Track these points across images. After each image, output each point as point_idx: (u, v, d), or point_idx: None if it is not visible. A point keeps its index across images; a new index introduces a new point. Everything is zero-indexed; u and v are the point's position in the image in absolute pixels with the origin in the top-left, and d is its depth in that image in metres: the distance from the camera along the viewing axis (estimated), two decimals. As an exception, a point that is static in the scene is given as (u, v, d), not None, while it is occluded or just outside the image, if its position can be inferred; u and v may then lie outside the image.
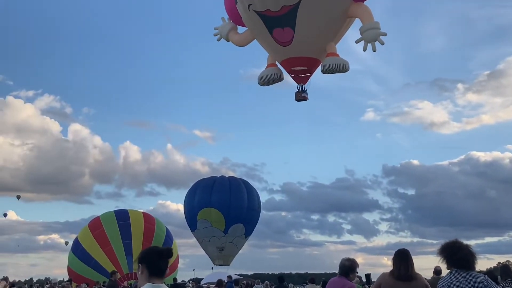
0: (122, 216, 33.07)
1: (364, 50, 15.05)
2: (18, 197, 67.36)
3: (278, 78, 17.16)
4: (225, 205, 36.64)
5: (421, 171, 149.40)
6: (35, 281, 58.20)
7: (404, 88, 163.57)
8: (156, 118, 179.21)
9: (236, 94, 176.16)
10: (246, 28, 17.66)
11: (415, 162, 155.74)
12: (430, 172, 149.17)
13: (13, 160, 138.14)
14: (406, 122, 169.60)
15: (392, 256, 6.74)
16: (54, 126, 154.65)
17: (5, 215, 73.65)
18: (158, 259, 3.84)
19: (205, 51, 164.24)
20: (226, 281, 25.03)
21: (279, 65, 17.36)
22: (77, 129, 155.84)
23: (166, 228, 34.44)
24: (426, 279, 7.21)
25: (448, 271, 5.72)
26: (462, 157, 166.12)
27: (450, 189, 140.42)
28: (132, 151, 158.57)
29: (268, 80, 17.12)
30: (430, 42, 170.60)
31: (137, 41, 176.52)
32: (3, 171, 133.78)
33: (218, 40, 18.03)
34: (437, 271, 11.19)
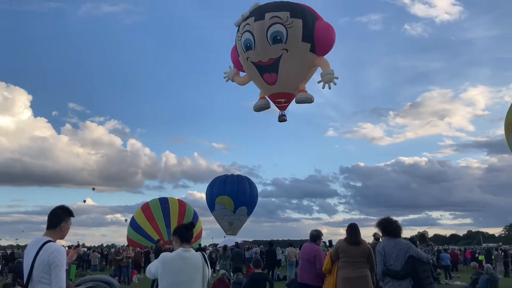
0: (163, 202, 32.81)
1: (323, 88, 14.91)
2: (93, 189, 67.22)
3: (267, 107, 17.00)
4: (234, 193, 36.29)
5: (366, 170, 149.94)
6: (104, 246, 57.69)
7: (353, 114, 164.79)
8: (187, 135, 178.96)
9: (241, 119, 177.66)
10: (245, 73, 17.38)
11: (362, 164, 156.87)
12: (372, 171, 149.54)
13: (90, 164, 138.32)
14: (355, 137, 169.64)
15: (346, 228, 6.64)
16: (117, 141, 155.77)
17: (84, 201, 73.46)
18: (185, 232, 3.90)
19: (220, 89, 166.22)
20: (233, 245, 24.50)
21: (267, 98, 17.13)
22: (133, 143, 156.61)
23: (194, 210, 34.10)
24: (369, 243, 7.01)
25: (383, 238, 5.78)
26: (393, 160, 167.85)
27: (385, 183, 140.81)
28: (170, 158, 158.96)
29: (260, 108, 16.93)
30: (371, 83, 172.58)
31: (174, 82, 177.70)
32: (84, 171, 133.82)
33: (226, 81, 17.84)
34: (377, 238, 10.68)
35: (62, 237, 3.63)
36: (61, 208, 3.68)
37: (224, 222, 37.02)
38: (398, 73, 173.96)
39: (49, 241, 3.44)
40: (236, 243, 25.75)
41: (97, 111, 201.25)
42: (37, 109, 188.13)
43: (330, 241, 22.42)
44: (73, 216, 3.75)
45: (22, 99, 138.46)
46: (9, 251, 31.80)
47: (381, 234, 5.92)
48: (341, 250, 6.46)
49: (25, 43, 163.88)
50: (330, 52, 16.07)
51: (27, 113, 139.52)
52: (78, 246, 4.43)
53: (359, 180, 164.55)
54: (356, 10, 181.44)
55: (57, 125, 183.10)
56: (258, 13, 15.69)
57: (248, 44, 15.81)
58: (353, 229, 6.46)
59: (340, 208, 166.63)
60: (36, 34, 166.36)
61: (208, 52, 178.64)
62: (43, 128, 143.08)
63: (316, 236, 7.64)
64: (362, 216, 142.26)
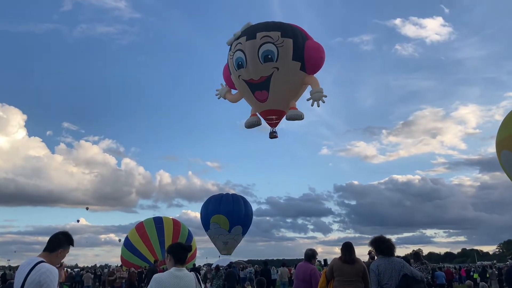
0: (158, 221, 32.30)
1: (312, 105, 14.94)
2: (87, 208, 66.44)
3: (258, 124, 16.85)
4: (229, 213, 35.71)
5: (360, 188, 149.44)
6: (98, 266, 56.64)
7: (346, 133, 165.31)
8: (181, 154, 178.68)
9: (235, 137, 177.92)
10: (237, 91, 17.21)
11: (356, 182, 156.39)
12: (366, 189, 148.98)
13: (84, 183, 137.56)
14: (349, 156, 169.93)
15: (341, 246, 6.50)
16: (111, 160, 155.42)
17: (78, 221, 72.66)
18: (181, 252, 3.79)
19: (214, 107, 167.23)
20: (226, 265, 23.94)
21: (258, 115, 17.00)
22: (127, 162, 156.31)
23: (188, 229, 33.54)
24: (364, 262, 6.84)
25: (377, 257, 5.64)
26: (387, 179, 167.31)
27: (379, 200, 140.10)
28: (164, 177, 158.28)
29: (251, 125, 16.77)
30: (363, 102, 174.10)
31: (168, 101, 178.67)
32: (77, 191, 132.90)
33: (218, 98, 17.71)
34: (372, 257, 10.24)
35: (55, 263, 3.53)
36: (64, 235, 3.68)
37: (219, 241, 36.37)
38: (390, 92, 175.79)
39: (42, 261, 3.39)
40: (230, 262, 25.23)
41: (92, 130, 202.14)
42: (32, 128, 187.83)
43: (325, 260, 21.99)
44: (73, 246, 3.73)
45: (16, 118, 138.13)
46: (0, 272, 30.92)
47: (375, 253, 5.78)
48: (336, 269, 6.31)
49: (20, 63, 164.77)
50: (322, 71, 16.15)
51: (22, 132, 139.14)
52: (61, 265, 4.11)
53: (353, 198, 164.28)
54: (349, 31, 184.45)
55: (52, 145, 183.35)
56: (250, 32, 15.74)
57: (239, 63, 15.78)
58: (347, 248, 6.34)
59: (335, 226, 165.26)
60: (32, 54, 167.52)
61: (201, 71, 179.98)
62: (37, 148, 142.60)
63: (311, 255, 7.50)
64: (357, 235, 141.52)
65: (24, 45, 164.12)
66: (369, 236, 6.83)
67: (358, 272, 6.17)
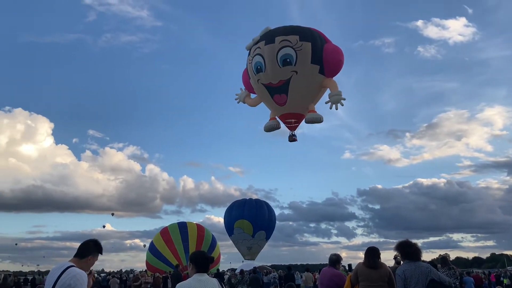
0: (182, 226, 32.41)
1: (330, 108, 14.69)
2: (112, 214, 67.34)
3: (277, 127, 16.69)
4: (253, 218, 35.55)
5: (384, 192, 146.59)
6: (123, 271, 57.25)
7: (369, 136, 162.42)
8: (204, 160, 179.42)
9: (256, 142, 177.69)
10: (256, 95, 17.09)
11: (379, 186, 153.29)
12: (390, 193, 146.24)
13: (109, 189, 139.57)
14: (372, 159, 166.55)
15: (365, 251, 6.37)
16: (136, 166, 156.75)
17: (104, 226, 73.66)
18: (203, 263, 3.79)
19: (236, 113, 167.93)
20: (251, 269, 23.69)
21: (277, 119, 16.81)
22: (152, 168, 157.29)
23: (212, 234, 33.47)
24: (390, 266, 6.69)
25: (403, 262, 5.53)
26: (411, 182, 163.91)
27: (404, 205, 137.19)
28: (188, 182, 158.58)
29: (270, 128, 16.64)
30: (386, 105, 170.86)
31: (190, 108, 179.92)
32: (103, 197, 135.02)
33: (238, 102, 17.68)
34: (398, 261, 9.85)
35: (85, 269, 3.63)
36: (94, 242, 3.81)
37: (243, 246, 36.21)
38: (413, 95, 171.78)
39: (72, 266, 3.52)
40: (254, 268, 25.00)
41: (116, 137, 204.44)
42: (59, 136, 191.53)
43: (349, 265, 21.48)
44: (101, 254, 3.84)
45: (44, 127, 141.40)
46: (30, 277, 31.44)
47: (401, 257, 5.66)
48: (360, 274, 6.21)
49: (47, 73, 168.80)
50: (343, 75, 15.85)
51: (49, 140, 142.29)
52: (90, 273, 4.11)
53: (377, 203, 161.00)
54: (370, 34, 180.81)
55: (78, 152, 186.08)
56: (268, 37, 15.68)
57: (258, 67, 15.70)
58: (371, 253, 6.21)
59: (359, 231, 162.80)
60: (58, 64, 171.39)
61: (222, 77, 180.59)
62: (64, 155, 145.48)
63: (335, 260, 7.37)
64: (381, 239, 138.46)
65: (51, 56, 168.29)
66: (394, 241, 6.54)
67: (383, 276, 6.04)
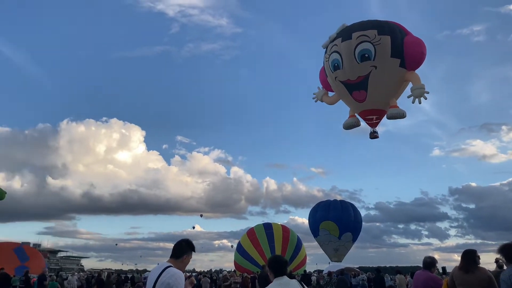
0: (267, 227, 32.95)
1: (413, 102, 14.28)
2: (201, 215, 70.26)
3: (357, 125, 16.55)
4: (338, 219, 35.14)
5: (479, 191, 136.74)
6: (213, 271, 59.29)
7: (460, 131, 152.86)
8: (286, 161, 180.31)
9: (338, 142, 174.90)
10: (334, 93, 17.06)
11: (473, 184, 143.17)
12: (486, 191, 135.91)
13: (197, 192, 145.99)
14: (464, 156, 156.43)
15: (461, 254, 5.96)
16: (221, 169, 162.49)
17: (193, 227, 76.98)
18: (276, 265, 3.92)
19: (315, 113, 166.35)
20: (336, 271, 23.59)
21: (357, 116, 16.58)
22: (236, 171, 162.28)
23: (297, 235, 33.65)
24: (490, 270, 6.34)
25: (507, 266, 5.17)
26: (510, 179, 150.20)
27: (503, 203, 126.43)
28: (271, 184, 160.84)
29: (350, 126, 16.52)
30: (478, 97, 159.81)
31: (271, 110, 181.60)
32: (192, 199, 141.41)
33: (315, 101, 17.68)
34: (500, 265, 9.31)
35: (181, 268, 3.81)
36: (186, 242, 3.99)
37: (329, 248, 35.88)
38: (509, 85, 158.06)
39: (170, 266, 3.74)
40: (342, 269, 24.79)
41: (202, 142, 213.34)
42: (150, 143, 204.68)
43: (443, 268, 20.63)
44: (194, 251, 4.01)
45: (136, 134, 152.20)
46: (130, 275, 34.01)
47: (504, 261, 5.32)
48: (456, 278, 5.89)
49: (137, 85, 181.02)
50: (429, 67, 15.63)
51: (141, 147, 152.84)
52: (190, 276, 4.59)
53: (472, 202, 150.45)
54: (456, 23, 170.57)
55: (168, 157, 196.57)
56: (345, 33, 15.66)
57: (336, 64, 15.71)
58: (467, 256, 5.87)
59: (452, 232, 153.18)
60: (146, 76, 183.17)
61: (300, 77, 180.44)
62: (155, 161, 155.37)
63: (430, 263, 6.94)
64: (478, 241, 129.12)
65: (140, 68, 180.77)
66: (493, 243, 6.25)
67: (481, 281, 5.63)
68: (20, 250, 28.86)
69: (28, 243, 49.52)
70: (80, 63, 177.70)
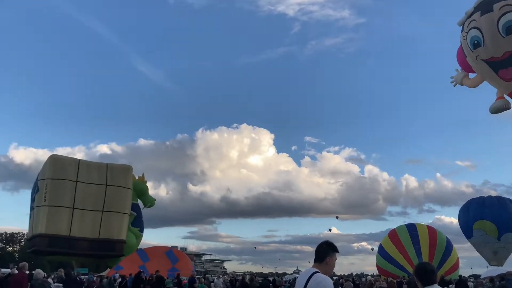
0: (411, 228, 31.52)
1: None
2: (337, 217, 69.60)
3: (507, 107, 14.56)
4: (496, 218, 31.90)
5: None
6: (354, 275, 58.10)
7: None
8: (425, 156, 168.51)
9: (483, 128, 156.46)
10: (476, 74, 15.42)
11: None
12: None
13: (331, 193, 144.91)
14: None
15: None
16: (354, 168, 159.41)
17: (330, 230, 76.35)
18: (422, 274, 3.74)
19: (455, 100, 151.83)
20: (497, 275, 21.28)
21: (506, 97, 14.71)
22: (370, 169, 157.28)
23: (446, 237, 31.38)
24: None
25: None
26: None
27: None
28: (410, 181, 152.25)
29: (498, 109, 14.68)
30: None
31: (403, 103, 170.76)
32: (326, 201, 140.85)
33: (454, 85, 16.19)
34: None
35: (327, 272, 3.80)
36: (326, 243, 3.99)
37: (487, 250, 32.72)
38: None
39: (317, 272, 3.75)
40: (503, 274, 22.33)
41: (331, 141, 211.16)
42: (279, 145, 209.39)
43: None
44: (337, 252, 3.97)
45: (266, 138, 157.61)
46: (270, 279, 35.03)
47: None
48: None
49: (263, 89, 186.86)
50: None
51: (271, 150, 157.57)
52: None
53: None
54: None
55: (297, 159, 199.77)
56: (484, 6, 14.08)
57: (476, 42, 14.18)
58: None
59: None
60: (271, 79, 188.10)
61: (436, 63, 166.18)
62: (286, 163, 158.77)
63: None
64: None
65: (264, 72, 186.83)
66: None
67: None
68: (171, 253, 31.81)
69: (176, 247, 54.25)
70: (207, 74, 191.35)
